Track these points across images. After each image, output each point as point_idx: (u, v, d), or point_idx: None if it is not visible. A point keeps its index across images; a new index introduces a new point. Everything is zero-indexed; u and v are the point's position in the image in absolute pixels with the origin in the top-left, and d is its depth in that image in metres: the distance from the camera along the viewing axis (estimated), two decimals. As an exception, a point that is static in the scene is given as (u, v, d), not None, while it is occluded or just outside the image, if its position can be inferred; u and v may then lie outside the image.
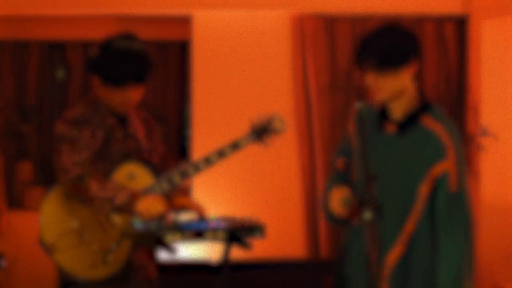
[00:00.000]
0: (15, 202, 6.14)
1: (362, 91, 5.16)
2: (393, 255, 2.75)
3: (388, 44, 2.73)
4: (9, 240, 5.77)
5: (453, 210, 2.72)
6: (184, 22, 5.83)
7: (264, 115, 3.40)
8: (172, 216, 3.03)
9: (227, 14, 5.60)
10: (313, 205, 5.55)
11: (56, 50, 6.37)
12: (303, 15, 5.54)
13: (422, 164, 2.72)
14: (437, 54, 5.61)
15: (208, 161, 3.26)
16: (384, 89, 2.74)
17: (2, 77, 6.29)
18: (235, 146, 3.30)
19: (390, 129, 2.81)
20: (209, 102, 5.62)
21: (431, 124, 2.76)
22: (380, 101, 2.79)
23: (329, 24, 5.55)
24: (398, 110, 2.80)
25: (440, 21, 5.59)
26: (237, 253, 3.13)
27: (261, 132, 3.36)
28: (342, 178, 2.93)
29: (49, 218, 3.22)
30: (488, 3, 5.39)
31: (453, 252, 2.72)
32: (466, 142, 5.41)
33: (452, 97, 5.61)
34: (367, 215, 2.47)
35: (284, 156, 5.61)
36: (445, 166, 2.71)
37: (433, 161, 2.71)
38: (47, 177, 6.17)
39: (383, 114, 2.84)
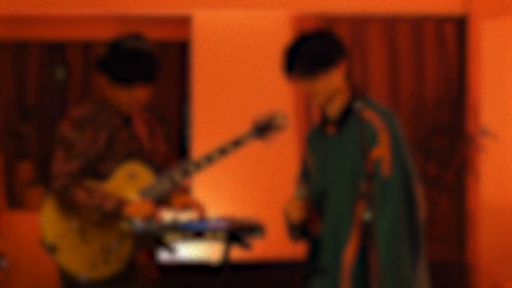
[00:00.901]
0: (15, 202, 6.13)
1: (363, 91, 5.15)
2: (350, 251, 2.74)
3: (313, 49, 2.80)
4: (9, 240, 5.77)
5: (385, 196, 2.67)
6: (184, 22, 5.83)
7: (266, 112, 3.39)
8: (162, 217, 3.04)
9: (227, 14, 5.61)
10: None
11: (56, 50, 6.37)
12: (303, 15, 5.54)
13: (361, 154, 2.72)
14: (437, 54, 5.61)
15: (209, 159, 3.26)
16: (319, 93, 2.82)
17: (2, 77, 6.29)
18: (236, 143, 3.29)
19: (330, 130, 2.86)
20: (209, 102, 5.62)
21: (367, 114, 2.77)
22: (318, 105, 2.87)
23: (329, 24, 5.54)
24: (334, 111, 2.86)
25: (440, 21, 5.60)
26: (237, 253, 3.13)
27: (263, 128, 3.35)
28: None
29: (50, 218, 3.22)
30: (488, 3, 5.39)
31: (385, 239, 2.65)
32: (466, 142, 5.41)
33: (452, 97, 5.61)
34: (367, 215, 2.47)
35: (284, 156, 5.61)
36: (379, 151, 2.72)
37: (368, 148, 2.69)
38: (47, 177, 6.15)
39: (323, 119, 2.92)
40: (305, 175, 3.03)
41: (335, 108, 2.86)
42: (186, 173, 3.25)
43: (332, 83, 2.82)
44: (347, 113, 2.83)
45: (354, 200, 2.72)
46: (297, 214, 2.81)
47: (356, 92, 2.86)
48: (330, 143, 2.84)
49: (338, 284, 2.75)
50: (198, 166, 3.26)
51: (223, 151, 3.27)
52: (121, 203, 3.10)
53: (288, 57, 2.87)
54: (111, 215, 3.10)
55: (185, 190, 3.40)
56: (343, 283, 2.74)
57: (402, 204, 2.69)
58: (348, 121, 2.81)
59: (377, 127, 2.74)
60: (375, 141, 2.71)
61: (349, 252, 2.75)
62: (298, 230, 2.83)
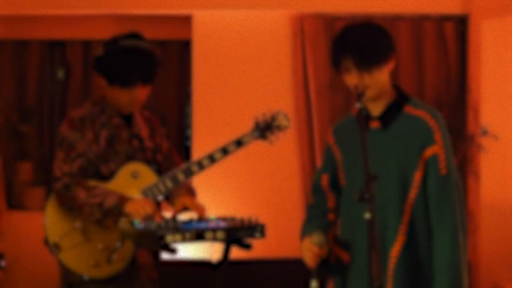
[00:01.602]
0: (15, 202, 6.14)
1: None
2: (396, 248, 2.73)
3: (369, 40, 2.72)
4: (9, 240, 5.77)
5: (444, 193, 2.72)
6: (184, 21, 5.84)
7: (268, 112, 3.38)
8: (162, 217, 3.05)
9: (227, 14, 5.61)
10: (313, 205, 5.54)
11: (56, 50, 6.37)
12: (303, 15, 5.54)
13: (413, 150, 2.73)
14: (437, 54, 5.61)
15: (212, 158, 3.26)
16: (371, 86, 2.75)
17: (2, 77, 6.29)
18: (238, 143, 3.29)
19: (373, 125, 2.82)
20: (209, 102, 5.62)
21: (414, 111, 2.78)
22: (369, 99, 2.79)
23: (329, 24, 5.54)
24: (377, 107, 2.82)
25: (440, 21, 5.59)
26: (237, 253, 3.13)
27: (265, 128, 3.34)
28: (322, 199, 2.96)
29: (53, 217, 3.23)
30: (488, 3, 5.39)
31: (447, 238, 2.69)
32: (466, 142, 5.41)
33: (452, 97, 5.61)
34: (367, 215, 2.47)
35: (284, 156, 5.61)
36: (435, 150, 2.73)
37: (423, 146, 2.73)
38: (47, 177, 6.17)
39: (363, 114, 2.82)
40: (330, 169, 2.96)
41: (379, 106, 2.81)
42: (189, 173, 3.26)
43: (383, 79, 2.77)
44: (393, 109, 2.79)
45: (404, 196, 2.73)
46: (312, 261, 2.78)
47: (401, 91, 2.84)
48: (375, 138, 2.78)
49: (384, 282, 2.73)
50: (201, 165, 3.26)
51: (225, 151, 3.27)
52: (122, 199, 3.10)
53: (338, 46, 2.76)
54: (112, 212, 3.10)
55: (190, 192, 3.40)
56: (388, 281, 2.73)
57: (458, 204, 2.73)
58: (395, 117, 2.78)
59: (432, 126, 2.74)
60: (431, 140, 2.72)
61: (395, 250, 2.73)
62: (315, 272, 2.81)
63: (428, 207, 2.74)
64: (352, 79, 2.77)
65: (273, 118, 3.36)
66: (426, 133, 2.74)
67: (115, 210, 3.09)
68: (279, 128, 3.36)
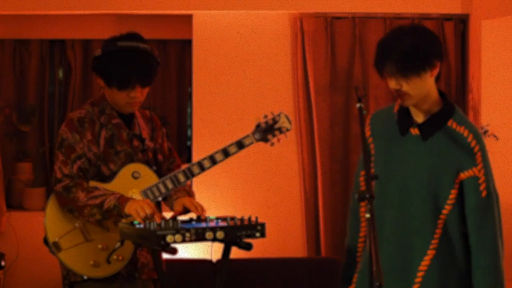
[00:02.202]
0: (15, 202, 6.13)
1: (363, 91, 5.14)
2: (426, 261, 2.72)
3: (410, 47, 2.63)
4: (9, 240, 5.77)
5: (485, 217, 2.69)
6: (185, 21, 5.84)
7: (270, 114, 3.34)
8: (162, 218, 3.05)
9: (227, 14, 5.61)
10: (313, 205, 5.55)
11: (56, 50, 6.37)
12: (303, 15, 5.54)
13: (451, 168, 2.69)
14: (437, 54, 5.60)
15: (212, 160, 3.26)
16: (410, 93, 2.67)
17: (2, 77, 6.29)
18: (240, 144, 3.28)
19: (413, 132, 2.75)
20: (209, 102, 5.62)
21: (457, 127, 2.72)
22: (407, 106, 2.74)
23: (329, 24, 5.54)
24: (420, 113, 2.75)
25: (440, 21, 5.59)
26: (237, 253, 3.13)
27: (267, 131, 3.32)
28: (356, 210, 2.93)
29: (54, 217, 3.23)
30: (488, 3, 5.39)
31: (488, 263, 2.67)
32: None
33: (452, 97, 5.61)
34: (367, 215, 2.47)
35: (284, 156, 5.60)
36: (474, 172, 2.69)
37: (462, 166, 2.68)
38: (47, 177, 6.17)
39: (405, 117, 2.78)
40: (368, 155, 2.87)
41: (422, 111, 2.75)
42: (190, 174, 3.26)
43: (424, 86, 2.68)
44: (436, 120, 2.72)
45: (436, 211, 2.69)
46: None
47: (447, 100, 2.76)
48: (412, 146, 2.73)
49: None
50: (202, 167, 3.26)
51: (226, 153, 3.26)
52: (121, 200, 3.10)
53: (381, 51, 2.70)
54: (112, 213, 3.10)
55: (189, 194, 3.40)
56: None
57: (499, 223, 2.71)
58: (436, 129, 2.72)
59: (473, 147, 2.68)
60: (472, 162, 2.68)
61: (426, 261, 2.72)
62: None
63: (464, 224, 2.71)
64: (391, 84, 2.70)
65: (275, 120, 3.33)
66: (466, 153, 2.68)
67: (114, 211, 3.09)
68: (281, 130, 3.33)
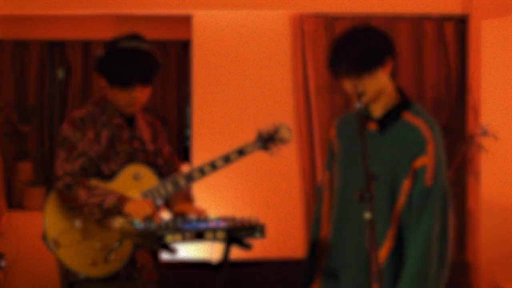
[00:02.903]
0: (15, 202, 6.14)
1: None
2: (384, 252, 2.75)
3: (361, 48, 2.72)
4: (9, 240, 5.77)
5: (425, 204, 2.72)
6: (184, 21, 5.84)
7: (271, 123, 3.41)
8: (162, 218, 3.05)
9: (227, 14, 5.61)
10: (313, 205, 5.55)
11: (56, 50, 6.37)
12: (303, 15, 5.55)
13: (405, 158, 2.74)
14: (437, 54, 5.61)
15: (213, 166, 3.30)
16: (366, 91, 2.75)
17: (2, 77, 6.29)
18: (241, 152, 3.34)
19: (372, 127, 2.83)
20: (209, 102, 5.62)
21: (413, 119, 2.79)
22: (365, 103, 2.80)
23: (329, 24, 5.55)
24: (378, 109, 2.83)
25: (440, 21, 5.60)
26: (237, 253, 3.13)
27: (268, 140, 3.38)
28: (319, 209, 3.00)
29: (53, 215, 3.23)
30: (488, 3, 5.39)
31: (418, 251, 2.69)
32: (466, 142, 5.41)
33: (452, 97, 5.61)
34: (367, 215, 2.47)
35: (284, 156, 5.59)
36: (424, 161, 2.73)
37: (415, 155, 2.73)
38: (47, 177, 6.18)
39: (364, 114, 2.85)
40: (330, 162, 2.98)
41: (379, 107, 2.82)
42: (190, 179, 3.28)
43: (378, 83, 2.77)
44: (392, 114, 2.80)
45: (393, 202, 2.73)
46: None
47: (404, 95, 2.84)
48: (371, 140, 2.78)
49: (368, 284, 2.74)
50: (203, 172, 3.29)
51: (227, 159, 3.31)
52: (121, 199, 3.11)
53: (333, 53, 2.78)
54: (112, 212, 3.10)
55: (188, 198, 3.41)
56: (374, 284, 2.73)
57: (439, 217, 2.72)
58: (392, 122, 2.79)
59: (426, 136, 2.74)
60: (423, 151, 2.72)
61: (382, 255, 2.75)
62: None
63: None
64: (347, 85, 2.79)
65: (276, 131, 3.39)
66: (419, 143, 2.74)
67: (114, 210, 3.10)
68: (282, 140, 3.42)
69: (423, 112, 2.83)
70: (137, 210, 3.07)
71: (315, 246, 3.01)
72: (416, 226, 2.71)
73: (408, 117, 2.80)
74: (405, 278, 2.69)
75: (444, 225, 2.75)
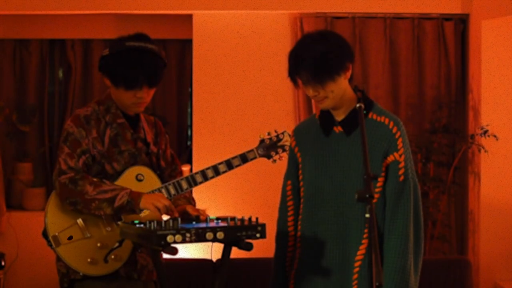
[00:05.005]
0: (15, 202, 6.14)
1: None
2: (361, 251, 2.78)
3: (321, 54, 2.75)
4: (9, 240, 5.77)
5: (400, 199, 2.77)
6: (185, 21, 5.84)
7: (274, 131, 3.47)
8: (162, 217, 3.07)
9: (227, 14, 5.61)
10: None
11: (56, 50, 6.37)
12: (303, 15, 5.55)
13: (376, 156, 2.78)
14: (437, 54, 5.61)
15: (216, 170, 3.35)
16: (328, 97, 2.81)
17: (2, 77, 6.29)
18: (243, 158, 3.38)
19: (337, 130, 2.87)
20: (209, 102, 5.62)
21: (378, 118, 2.84)
22: (326, 109, 2.88)
23: (329, 24, 5.54)
24: (340, 113, 2.88)
25: (440, 21, 5.60)
26: (237, 252, 3.13)
27: (270, 148, 3.41)
28: (284, 215, 3.06)
29: (55, 212, 3.22)
30: (488, 3, 5.39)
31: (396, 244, 2.74)
32: (466, 142, 5.41)
33: (452, 97, 5.61)
34: (367, 215, 2.47)
35: (284, 156, 5.60)
36: (396, 155, 2.78)
37: (387, 152, 2.78)
38: (47, 177, 6.17)
39: (326, 118, 2.90)
40: (294, 173, 3.00)
41: (341, 111, 2.87)
42: (193, 182, 3.31)
43: (340, 88, 2.81)
44: (355, 115, 2.83)
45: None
46: None
47: (365, 96, 2.88)
48: (337, 142, 2.85)
49: (348, 285, 2.76)
50: (205, 176, 3.33)
51: (230, 165, 3.37)
52: (134, 195, 3.10)
53: (293, 61, 2.82)
54: (125, 209, 3.11)
55: (189, 201, 3.42)
56: (353, 284, 2.76)
57: (413, 209, 2.78)
58: (356, 124, 2.82)
59: (395, 133, 2.80)
60: (394, 147, 2.78)
61: (360, 252, 2.78)
62: None
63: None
64: (308, 91, 2.83)
65: (279, 138, 3.45)
66: (389, 139, 2.79)
67: (127, 206, 3.10)
68: (284, 148, 3.47)
69: (385, 111, 2.89)
70: (155, 203, 3.09)
71: (285, 256, 3.15)
72: (393, 220, 2.75)
73: (372, 116, 2.84)
74: (388, 272, 2.72)
75: (419, 218, 2.80)
